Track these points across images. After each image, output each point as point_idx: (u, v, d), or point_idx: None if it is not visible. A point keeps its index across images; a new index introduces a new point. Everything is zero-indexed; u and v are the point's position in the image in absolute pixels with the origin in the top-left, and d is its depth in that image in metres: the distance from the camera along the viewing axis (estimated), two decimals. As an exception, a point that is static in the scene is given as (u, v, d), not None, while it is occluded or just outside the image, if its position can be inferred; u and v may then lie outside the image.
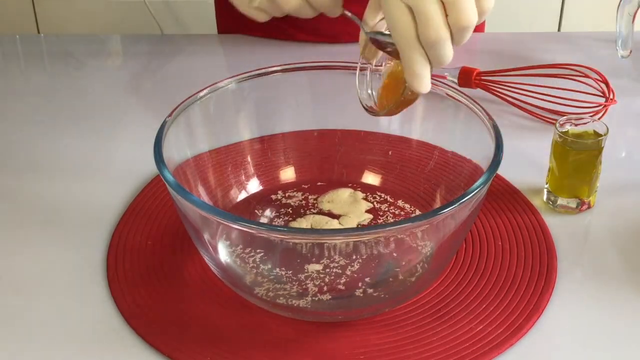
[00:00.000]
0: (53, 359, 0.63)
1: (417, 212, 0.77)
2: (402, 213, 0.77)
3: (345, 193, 0.79)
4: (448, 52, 0.58)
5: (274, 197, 0.79)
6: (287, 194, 0.79)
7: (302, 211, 0.77)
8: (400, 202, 0.78)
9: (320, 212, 0.77)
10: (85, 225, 0.78)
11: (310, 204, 0.78)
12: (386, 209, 0.77)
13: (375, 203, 0.79)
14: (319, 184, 0.81)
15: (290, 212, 0.77)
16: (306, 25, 1.14)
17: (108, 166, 0.89)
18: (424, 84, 0.59)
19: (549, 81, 0.95)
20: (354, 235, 0.61)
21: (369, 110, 0.68)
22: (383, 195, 0.79)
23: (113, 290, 0.69)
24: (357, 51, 1.01)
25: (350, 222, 0.76)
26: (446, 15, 0.57)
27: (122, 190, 0.83)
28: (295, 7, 0.65)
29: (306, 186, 0.81)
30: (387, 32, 0.64)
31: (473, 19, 0.57)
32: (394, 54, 0.63)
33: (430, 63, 0.59)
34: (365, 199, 0.79)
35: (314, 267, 0.68)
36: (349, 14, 0.66)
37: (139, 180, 0.84)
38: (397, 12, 0.57)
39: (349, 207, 0.78)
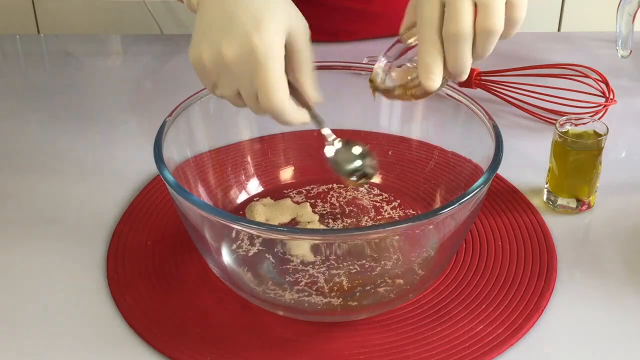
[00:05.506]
0: (53, 358, 0.64)
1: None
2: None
3: (258, 207, 0.77)
4: (465, 53, 0.58)
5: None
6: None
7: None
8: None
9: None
10: (85, 225, 0.78)
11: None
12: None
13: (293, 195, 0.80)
14: (316, 185, 0.81)
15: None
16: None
17: (108, 166, 0.89)
18: (432, 80, 0.60)
19: (549, 81, 0.95)
20: (354, 235, 0.61)
21: (374, 86, 0.67)
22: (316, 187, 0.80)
23: (113, 290, 0.69)
24: (357, 50, 1.01)
25: (308, 217, 0.76)
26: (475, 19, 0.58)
27: (122, 190, 0.83)
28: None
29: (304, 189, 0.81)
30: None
31: (499, 25, 0.58)
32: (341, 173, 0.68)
33: (445, 63, 0.59)
34: (274, 197, 0.79)
35: (314, 267, 0.68)
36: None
37: (139, 180, 0.84)
38: (429, 5, 0.59)
39: (284, 211, 0.77)
